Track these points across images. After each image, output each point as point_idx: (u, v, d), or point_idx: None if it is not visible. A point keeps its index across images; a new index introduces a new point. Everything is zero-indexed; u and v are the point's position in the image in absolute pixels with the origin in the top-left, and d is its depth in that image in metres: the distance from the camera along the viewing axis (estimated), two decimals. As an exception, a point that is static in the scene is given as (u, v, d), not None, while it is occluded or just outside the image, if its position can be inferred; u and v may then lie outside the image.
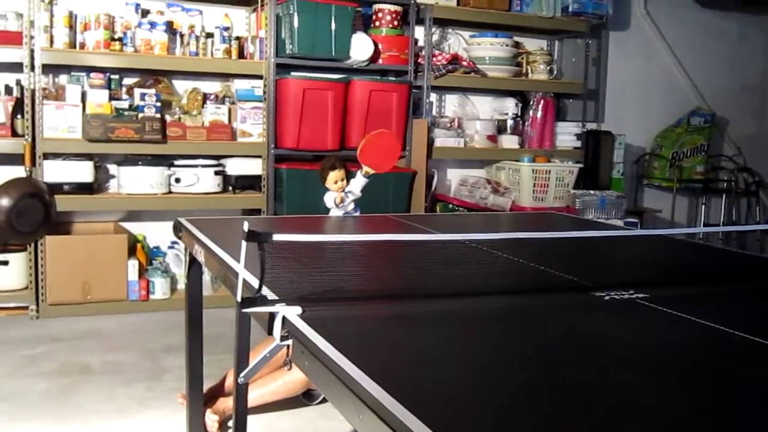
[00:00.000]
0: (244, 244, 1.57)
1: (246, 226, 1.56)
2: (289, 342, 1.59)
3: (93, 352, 3.74)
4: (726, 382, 1.34)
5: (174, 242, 4.75)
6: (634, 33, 6.23)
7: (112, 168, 4.63)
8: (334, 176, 3.20)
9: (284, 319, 1.58)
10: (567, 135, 5.71)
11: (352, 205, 3.21)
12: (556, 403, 1.21)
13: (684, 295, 1.99)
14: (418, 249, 2.11)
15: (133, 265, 4.45)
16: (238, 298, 1.60)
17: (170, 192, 4.56)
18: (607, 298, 1.88)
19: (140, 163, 4.48)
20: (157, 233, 4.80)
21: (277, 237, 1.60)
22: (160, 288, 4.53)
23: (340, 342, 1.42)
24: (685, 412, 1.19)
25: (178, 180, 4.57)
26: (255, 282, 1.66)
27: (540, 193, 5.36)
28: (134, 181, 4.46)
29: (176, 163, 4.60)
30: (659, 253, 2.58)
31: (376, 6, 4.94)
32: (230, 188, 4.76)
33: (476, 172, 5.67)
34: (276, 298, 1.66)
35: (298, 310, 1.60)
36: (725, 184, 6.65)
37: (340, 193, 3.18)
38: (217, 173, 4.67)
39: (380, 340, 1.52)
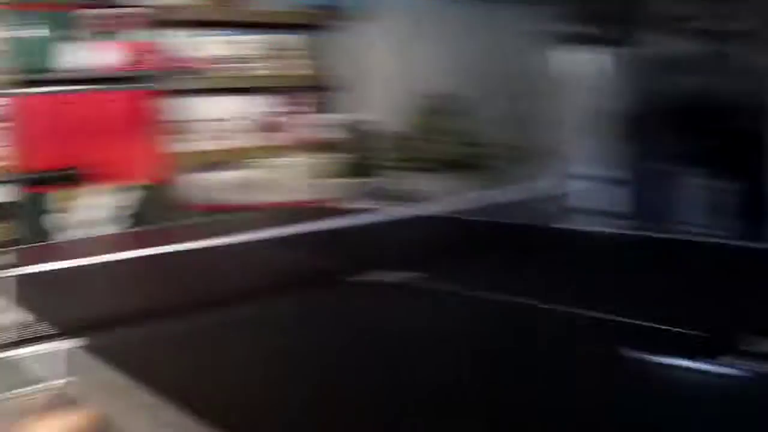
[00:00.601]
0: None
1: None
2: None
3: None
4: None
5: None
6: (383, 23, 6.35)
7: None
8: (77, 194, 2.91)
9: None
10: (323, 127, 5.72)
11: (108, 224, 2.95)
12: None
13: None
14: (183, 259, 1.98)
15: None
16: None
17: None
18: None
19: None
20: None
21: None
22: None
23: (135, 372, 1.25)
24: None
25: None
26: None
27: (301, 187, 5.35)
28: None
29: None
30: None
31: (107, 11, 4.60)
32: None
33: (232, 174, 5.50)
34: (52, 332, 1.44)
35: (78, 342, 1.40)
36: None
37: (84, 212, 2.90)
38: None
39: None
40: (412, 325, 1.50)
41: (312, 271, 2.05)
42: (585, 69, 6.16)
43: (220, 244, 1.93)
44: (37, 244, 3.31)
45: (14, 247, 3.95)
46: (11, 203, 4.17)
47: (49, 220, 4.14)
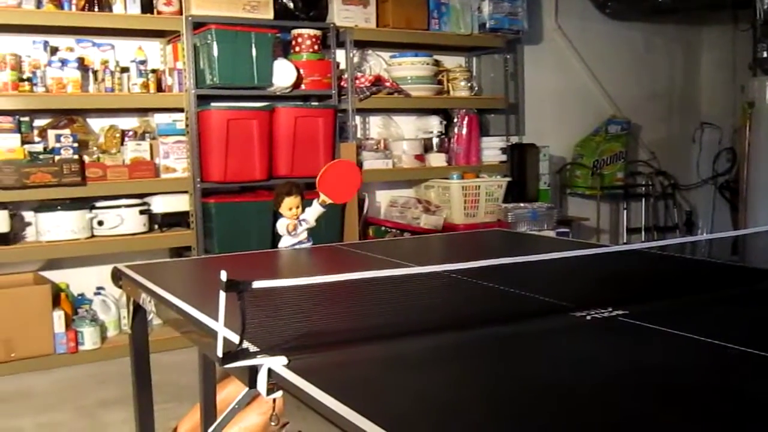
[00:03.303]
0: (222, 295, 1.44)
1: (224, 276, 1.44)
2: (277, 395, 1.48)
3: (23, 414, 3.48)
4: (738, 401, 1.30)
5: (100, 288, 4.50)
6: (547, 46, 6.34)
7: (28, 215, 4.35)
8: (290, 203, 3.07)
9: (270, 371, 1.47)
10: (492, 149, 5.74)
11: (305, 234, 3.10)
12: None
13: (663, 309, 1.97)
14: (387, 282, 2.03)
15: (58, 317, 4.19)
16: (219, 354, 1.47)
17: (93, 236, 4.33)
18: (588, 318, 1.84)
19: (59, 207, 4.23)
20: (81, 280, 4.55)
21: (257, 284, 1.48)
22: (89, 338, 4.27)
23: (339, 392, 1.32)
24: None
25: (101, 223, 4.34)
26: (230, 334, 1.53)
27: (471, 209, 5.36)
28: (54, 228, 4.20)
29: (98, 205, 4.37)
30: (627, 266, 2.57)
31: (295, 31, 4.84)
32: (156, 227, 4.56)
33: (404, 192, 5.63)
34: (257, 349, 1.54)
35: (283, 360, 1.49)
36: (644, 189, 6.84)
37: (293, 220, 3.05)
38: (141, 212, 4.46)
39: (380, 387, 1.42)
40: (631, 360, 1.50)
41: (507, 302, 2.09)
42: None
43: (436, 271, 1.97)
44: (232, 254, 3.50)
45: (207, 255, 4.28)
46: (189, 213, 4.50)
47: (231, 231, 4.42)
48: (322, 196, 3.09)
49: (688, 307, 2.01)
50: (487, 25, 5.54)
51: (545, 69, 6.29)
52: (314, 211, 3.09)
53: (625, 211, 6.71)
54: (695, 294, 2.17)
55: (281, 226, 3.09)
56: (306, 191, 3.20)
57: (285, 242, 3.12)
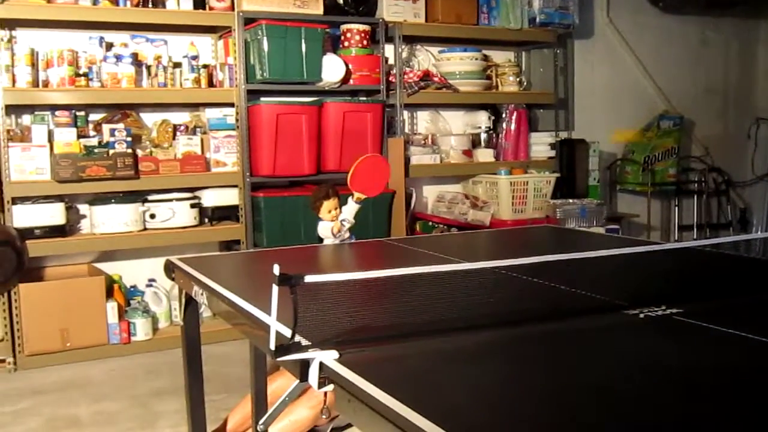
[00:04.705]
0: (275, 288, 1.46)
1: (277, 270, 1.45)
2: (328, 388, 1.49)
3: (79, 402, 3.56)
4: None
5: (152, 280, 4.59)
6: (598, 41, 6.25)
7: (83, 208, 4.46)
8: (328, 205, 3.09)
9: (321, 365, 1.48)
10: (541, 145, 5.69)
11: (348, 233, 3.11)
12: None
13: (718, 308, 1.93)
14: (437, 278, 2.03)
15: (111, 307, 4.28)
16: (272, 347, 1.49)
17: (145, 228, 4.41)
18: (642, 316, 1.82)
19: (113, 200, 4.32)
20: (133, 272, 4.64)
21: (309, 278, 1.50)
22: (141, 329, 4.36)
23: (389, 386, 1.32)
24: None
25: (153, 216, 4.41)
26: (281, 327, 1.55)
27: (519, 205, 5.31)
28: (108, 220, 4.29)
29: (150, 198, 4.45)
30: (680, 263, 2.53)
31: (345, 26, 4.86)
32: (206, 220, 4.63)
33: (452, 187, 5.61)
34: (308, 343, 1.56)
35: (334, 354, 1.50)
36: (696, 185, 6.70)
37: (337, 222, 3.07)
38: (192, 206, 4.53)
39: (431, 381, 1.42)
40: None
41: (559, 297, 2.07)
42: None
43: (485, 267, 1.97)
44: (280, 248, 3.53)
45: (255, 249, 4.33)
46: (238, 207, 4.55)
47: (279, 224, 4.45)
48: (356, 194, 3.10)
49: (743, 306, 1.97)
50: (538, 20, 5.49)
51: (596, 64, 6.21)
52: (351, 208, 3.10)
53: (676, 208, 6.59)
54: (750, 293, 2.13)
55: (324, 229, 3.10)
56: (339, 187, 3.21)
57: (327, 242, 3.14)
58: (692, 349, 1.60)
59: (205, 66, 4.59)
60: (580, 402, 1.30)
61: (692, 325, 1.74)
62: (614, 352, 1.61)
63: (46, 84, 4.21)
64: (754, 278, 2.37)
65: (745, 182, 6.99)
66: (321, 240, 3.17)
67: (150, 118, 4.65)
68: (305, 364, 1.50)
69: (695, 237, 6.46)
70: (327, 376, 1.47)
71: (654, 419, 1.21)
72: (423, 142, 5.36)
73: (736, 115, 7.04)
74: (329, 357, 1.49)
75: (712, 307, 1.93)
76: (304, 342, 1.55)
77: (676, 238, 6.53)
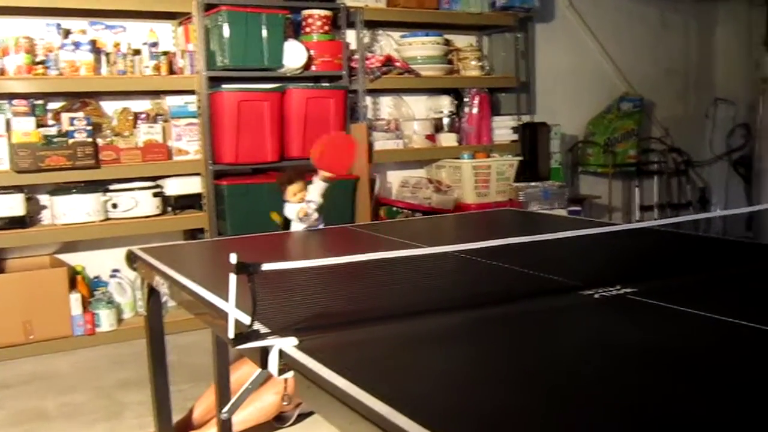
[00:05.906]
0: (233, 277, 1.47)
1: (234, 258, 1.46)
2: (288, 375, 1.50)
3: (45, 395, 3.54)
4: (749, 378, 1.31)
5: (116, 270, 4.55)
6: (559, 24, 6.30)
7: (43, 198, 4.40)
8: (293, 189, 3.09)
9: (281, 352, 1.50)
10: (503, 129, 5.74)
11: (316, 215, 3.11)
12: (598, 415, 1.16)
13: (673, 287, 1.97)
14: (398, 263, 2.05)
15: (75, 299, 4.24)
16: (231, 335, 1.50)
17: (108, 218, 4.37)
18: (596, 296, 1.86)
19: (74, 191, 4.27)
20: (97, 262, 4.60)
21: (266, 266, 1.51)
22: (105, 320, 4.33)
23: (349, 372, 1.34)
24: (723, 417, 1.16)
25: (115, 205, 4.38)
26: (241, 315, 1.56)
27: (482, 188, 5.36)
28: (69, 211, 4.25)
29: (112, 188, 4.41)
30: (639, 244, 2.58)
31: (306, 12, 4.84)
32: (169, 209, 4.60)
33: (416, 172, 5.64)
34: (267, 330, 1.57)
35: (293, 341, 1.52)
36: (657, 166, 6.81)
37: (303, 205, 3.07)
38: (155, 195, 4.50)
39: (391, 366, 1.44)
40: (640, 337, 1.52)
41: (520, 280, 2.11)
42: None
43: (444, 251, 1.99)
44: (244, 236, 3.52)
45: (219, 238, 4.31)
46: (201, 195, 4.53)
47: (243, 213, 4.44)
48: (322, 173, 3.11)
49: (700, 284, 2.02)
50: (498, 4, 5.52)
51: (557, 47, 6.26)
52: (318, 187, 3.10)
53: (637, 189, 6.69)
54: (707, 271, 2.18)
55: (290, 212, 3.10)
56: (308, 173, 3.22)
57: (296, 226, 3.15)
58: (645, 327, 1.64)
59: (165, 53, 4.54)
60: (548, 383, 1.32)
61: (645, 303, 1.78)
62: (573, 333, 1.65)
63: (2, 72, 4.14)
64: (709, 257, 2.43)
65: (704, 162, 7.12)
66: (290, 221, 3.18)
67: (110, 107, 4.60)
68: (265, 352, 1.52)
69: (656, 217, 6.57)
70: (287, 363, 1.49)
71: (605, 393, 1.24)
72: (386, 127, 5.37)
73: (695, 96, 7.15)
74: (288, 344, 1.50)
75: (666, 286, 1.98)
76: (264, 330, 1.56)
77: (638, 218, 6.63)
